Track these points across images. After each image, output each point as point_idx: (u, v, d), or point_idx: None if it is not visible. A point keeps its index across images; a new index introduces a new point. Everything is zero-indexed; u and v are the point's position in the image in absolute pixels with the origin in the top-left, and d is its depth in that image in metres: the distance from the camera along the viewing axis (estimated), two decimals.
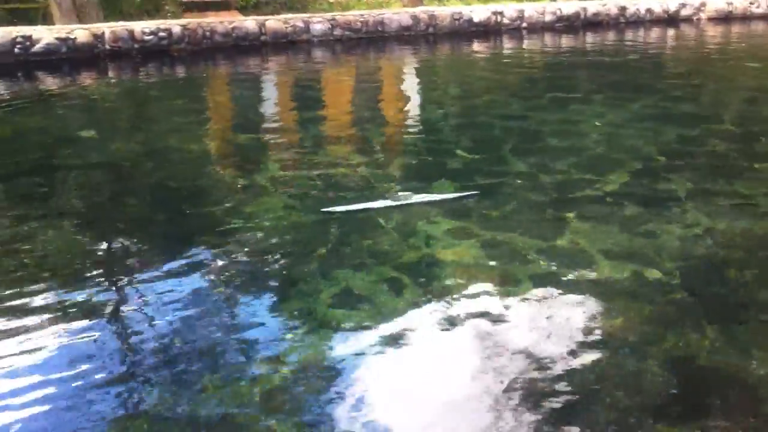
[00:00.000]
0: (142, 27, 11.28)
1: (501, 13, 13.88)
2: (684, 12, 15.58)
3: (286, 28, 12.24)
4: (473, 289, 4.26)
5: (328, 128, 7.95)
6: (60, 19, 11.73)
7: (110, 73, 10.61)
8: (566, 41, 13.56)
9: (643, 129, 7.44)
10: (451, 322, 3.93)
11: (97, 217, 5.48)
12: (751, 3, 15.98)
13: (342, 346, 3.71)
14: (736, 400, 3.33)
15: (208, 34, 11.70)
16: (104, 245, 4.97)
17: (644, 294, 4.17)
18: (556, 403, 3.28)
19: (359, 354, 3.65)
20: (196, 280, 4.42)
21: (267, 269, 4.57)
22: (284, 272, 4.51)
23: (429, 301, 4.13)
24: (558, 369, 3.52)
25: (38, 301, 4.17)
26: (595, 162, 6.44)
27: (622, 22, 15.03)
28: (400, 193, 5.63)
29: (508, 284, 4.31)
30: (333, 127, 7.99)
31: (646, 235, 4.92)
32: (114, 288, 4.35)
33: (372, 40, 12.87)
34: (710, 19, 15.69)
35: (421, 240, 4.88)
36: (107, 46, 11.01)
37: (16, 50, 10.54)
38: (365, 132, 7.79)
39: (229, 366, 3.57)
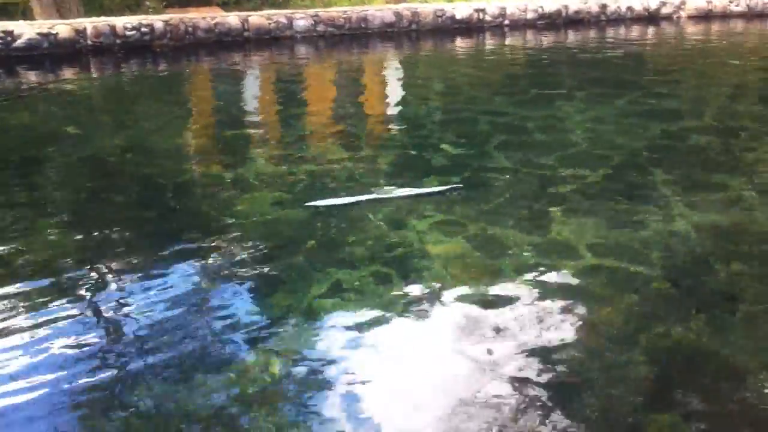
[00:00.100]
0: (124, 22, 11.21)
1: (483, 11, 13.91)
2: (664, 10, 15.69)
3: (269, 24, 12.21)
4: (460, 282, 4.28)
5: (312, 124, 7.94)
6: (40, 14, 11.65)
7: (92, 69, 10.54)
8: (548, 39, 13.62)
9: (627, 125, 7.50)
10: (439, 315, 3.96)
11: (82, 213, 5.45)
12: (730, 1, 16.11)
13: (331, 340, 3.73)
14: (721, 388, 3.37)
15: (190, 29, 11.64)
16: (90, 241, 4.93)
17: (629, 286, 4.22)
18: (543, 392, 3.32)
19: (349, 348, 3.67)
20: (183, 276, 4.41)
21: (255, 264, 4.56)
22: (272, 267, 4.51)
23: (417, 294, 4.15)
24: (545, 359, 3.56)
25: (21, 297, 4.15)
26: (580, 157, 6.48)
27: (603, 19, 15.11)
28: (384, 187, 5.65)
29: (495, 277, 4.34)
30: (318, 122, 7.99)
31: (631, 228, 4.96)
32: (100, 284, 4.33)
33: (355, 36, 12.87)
34: (690, 17, 15.81)
35: (409, 234, 4.90)
36: (89, 42, 10.93)
37: None
38: (350, 127, 7.80)
39: (219, 361, 3.57)
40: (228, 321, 3.92)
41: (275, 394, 3.32)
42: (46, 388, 3.38)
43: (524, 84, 9.91)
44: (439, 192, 5.57)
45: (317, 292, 4.17)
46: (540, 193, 5.60)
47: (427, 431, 3.10)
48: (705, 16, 15.97)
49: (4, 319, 3.91)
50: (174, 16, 11.77)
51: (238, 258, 4.63)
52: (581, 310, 3.99)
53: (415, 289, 4.20)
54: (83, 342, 3.73)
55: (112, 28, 11.09)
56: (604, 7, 15.01)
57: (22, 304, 4.08)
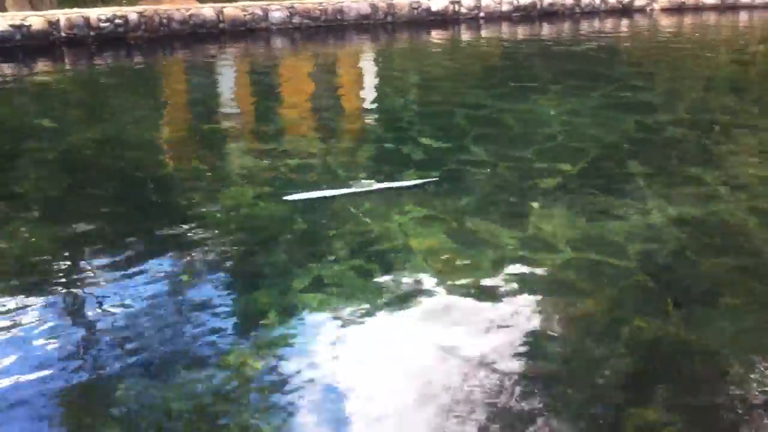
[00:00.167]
0: (98, 14, 11.10)
1: (459, 3, 13.95)
2: (638, 2, 15.83)
3: (245, 15, 12.16)
4: (441, 276, 4.30)
5: (290, 117, 7.93)
6: (12, 5, 11.52)
7: (66, 61, 10.44)
8: (523, 31, 13.69)
9: (603, 117, 7.57)
10: (420, 310, 3.98)
11: (58, 208, 5.40)
12: None
13: (312, 336, 3.74)
14: (701, 381, 3.43)
15: (165, 21, 11.56)
16: (66, 236, 4.89)
17: (609, 279, 4.26)
18: (523, 386, 3.35)
19: (330, 343, 3.68)
20: (161, 271, 4.39)
21: (235, 259, 4.56)
22: (252, 262, 4.51)
23: (398, 288, 4.16)
24: (525, 353, 3.59)
25: None
26: (557, 150, 6.53)
27: (578, 12, 15.22)
28: (362, 181, 5.67)
29: (476, 271, 4.37)
30: (295, 116, 7.98)
31: (609, 221, 5.02)
32: (77, 279, 4.30)
33: (331, 28, 12.85)
34: (663, 10, 15.97)
35: (390, 227, 4.92)
36: (63, 34, 10.81)
37: None
38: (328, 121, 7.80)
39: (199, 356, 3.56)
40: (208, 317, 3.91)
41: (256, 391, 3.32)
42: (21, 385, 3.35)
43: (501, 77, 9.96)
44: (416, 185, 5.59)
45: (298, 286, 4.17)
46: (518, 187, 5.64)
47: (408, 425, 3.13)
48: (678, 9, 16.14)
49: None
50: (148, 7, 11.67)
51: (217, 253, 4.62)
52: (561, 303, 4.03)
53: (396, 284, 4.21)
54: (59, 337, 3.71)
55: (86, 19, 10.99)
56: None
57: None
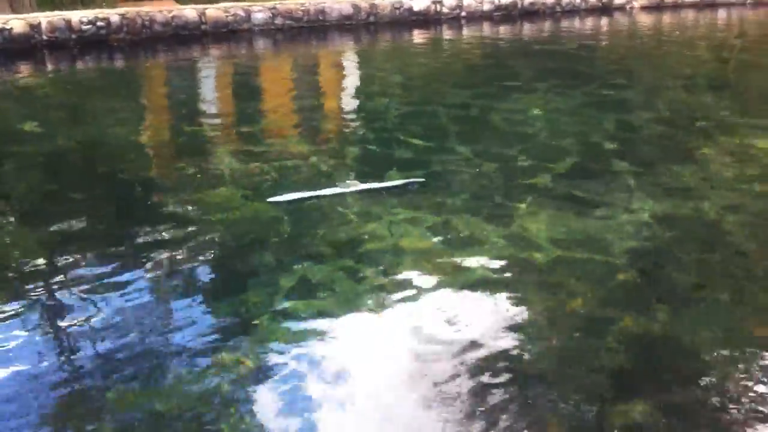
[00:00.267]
0: (79, 17, 11.05)
1: (440, 3, 14.00)
2: (617, 1, 15.92)
3: (227, 17, 12.15)
4: (428, 275, 4.35)
5: (274, 118, 7.95)
6: None
7: (48, 64, 10.39)
8: (504, 30, 13.76)
9: (586, 116, 7.65)
10: (408, 308, 4.01)
11: (42, 211, 5.39)
12: None
13: (301, 336, 3.75)
14: (687, 376, 3.49)
15: (147, 23, 11.53)
16: (52, 238, 4.89)
17: (596, 276, 4.32)
18: (511, 383, 3.40)
19: (319, 343, 3.71)
20: (149, 274, 4.41)
21: (222, 261, 4.58)
22: (240, 263, 4.53)
23: (386, 288, 4.20)
24: (513, 350, 3.64)
25: None
26: (541, 149, 6.60)
27: (558, 11, 15.30)
28: (347, 181, 5.70)
29: (464, 269, 4.41)
30: (279, 117, 7.99)
31: (594, 219, 5.08)
32: (62, 283, 4.30)
33: (313, 29, 12.86)
34: (643, 8, 16.08)
35: (376, 227, 4.95)
36: (44, 37, 10.77)
37: None
38: (312, 122, 7.82)
39: (187, 359, 3.58)
40: (196, 318, 3.93)
41: (246, 392, 3.34)
42: (9, 387, 3.38)
43: (483, 76, 10.02)
44: (401, 185, 5.62)
45: (286, 287, 4.19)
46: (503, 186, 5.69)
47: (397, 421, 3.17)
48: (657, 7, 16.26)
49: None
50: (130, 9, 11.63)
51: (204, 254, 4.64)
52: (547, 301, 4.08)
53: (384, 283, 4.25)
54: (45, 340, 3.74)
55: (68, 22, 10.94)
56: None
57: None
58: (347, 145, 6.98)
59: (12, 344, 3.68)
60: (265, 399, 3.30)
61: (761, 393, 3.33)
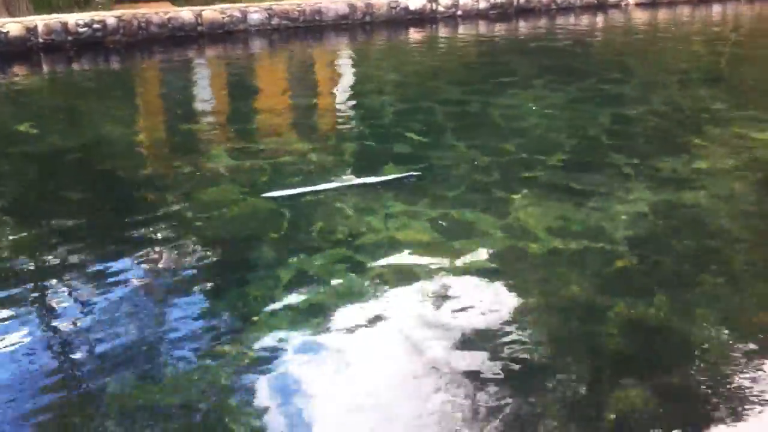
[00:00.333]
0: (76, 19, 11.06)
1: (436, 1, 14.01)
2: None
3: (223, 18, 12.16)
4: (426, 267, 4.37)
5: (270, 117, 7.96)
6: None
7: (44, 67, 10.40)
8: (500, 28, 13.78)
9: (581, 111, 7.67)
10: (408, 301, 4.03)
11: (40, 212, 5.39)
12: None
13: (301, 331, 3.77)
14: (686, 363, 3.51)
15: (143, 25, 11.54)
16: (51, 238, 4.90)
17: (593, 265, 4.35)
18: (511, 371, 3.42)
19: (320, 335, 3.73)
20: (146, 271, 4.42)
21: (222, 257, 4.60)
22: (239, 260, 4.54)
23: (385, 279, 4.22)
24: (512, 339, 3.66)
25: None
26: (537, 143, 6.62)
27: (554, 8, 15.33)
28: (343, 176, 5.71)
29: (463, 261, 4.43)
30: (276, 115, 8.01)
31: (593, 209, 5.11)
32: (61, 282, 4.32)
33: (309, 29, 12.87)
34: (638, 5, 16.11)
35: (372, 220, 4.97)
36: (41, 39, 10.78)
37: None
38: (308, 119, 7.85)
39: (185, 355, 3.60)
40: (196, 314, 3.95)
41: (244, 387, 3.36)
42: (10, 382, 3.39)
43: (479, 73, 10.03)
44: (397, 179, 5.64)
45: (285, 281, 4.21)
46: (499, 179, 5.71)
47: (398, 413, 3.19)
48: (652, 3, 16.29)
49: None
50: (126, 11, 11.65)
51: (202, 250, 4.65)
52: (547, 290, 4.10)
53: (382, 275, 4.27)
54: (43, 340, 3.74)
55: (64, 25, 10.95)
56: None
57: None
58: (343, 141, 6.99)
59: (13, 341, 3.70)
60: (266, 391, 3.32)
61: (758, 378, 3.36)
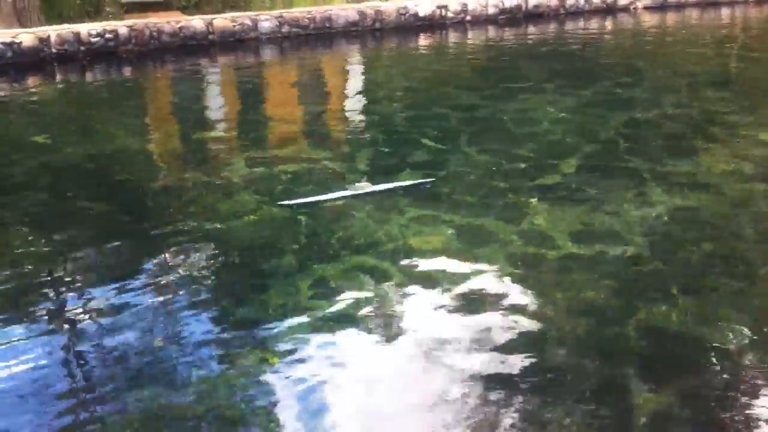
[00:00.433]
0: (88, 29, 11.13)
1: (445, 7, 14.03)
2: (621, 1, 15.94)
3: (234, 26, 12.21)
4: (445, 273, 4.39)
5: (284, 124, 7.99)
6: (0, 23, 11.52)
7: (58, 77, 10.46)
8: (510, 33, 13.79)
9: (594, 115, 7.68)
10: (427, 305, 4.06)
11: (60, 221, 5.44)
12: None
13: (322, 337, 3.81)
14: (708, 366, 3.52)
15: (155, 34, 11.60)
16: (69, 249, 4.95)
17: (612, 269, 4.38)
18: (535, 375, 3.44)
19: (342, 339, 3.76)
20: (167, 281, 4.46)
21: (241, 265, 4.63)
22: (259, 267, 4.58)
23: (407, 286, 4.26)
24: (535, 343, 3.68)
25: None
26: (553, 147, 6.63)
27: (562, 13, 15.32)
28: (357, 184, 5.74)
29: (483, 266, 4.46)
30: (289, 123, 8.04)
31: (609, 214, 5.13)
32: (80, 291, 4.37)
33: (320, 36, 12.91)
34: (646, 8, 16.09)
35: (390, 227, 4.99)
36: (53, 50, 10.85)
37: None
38: (321, 126, 7.88)
39: (207, 361, 3.64)
40: (220, 322, 3.99)
41: (267, 392, 3.39)
42: (28, 390, 3.43)
43: (491, 79, 10.05)
44: (412, 186, 5.66)
45: (305, 289, 4.24)
46: (514, 184, 5.73)
47: (425, 417, 3.20)
48: (661, 6, 16.26)
49: None
50: (138, 21, 11.71)
51: (223, 258, 4.70)
52: (567, 294, 4.12)
53: (401, 281, 4.29)
54: (63, 351, 3.79)
55: (77, 35, 11.02)
56: (563, 0, 15.22)
57: None
58: (357, 148, 7.02)
59: (33, 352, 3.76)
60: (288, 398, 3.34)
61: None
